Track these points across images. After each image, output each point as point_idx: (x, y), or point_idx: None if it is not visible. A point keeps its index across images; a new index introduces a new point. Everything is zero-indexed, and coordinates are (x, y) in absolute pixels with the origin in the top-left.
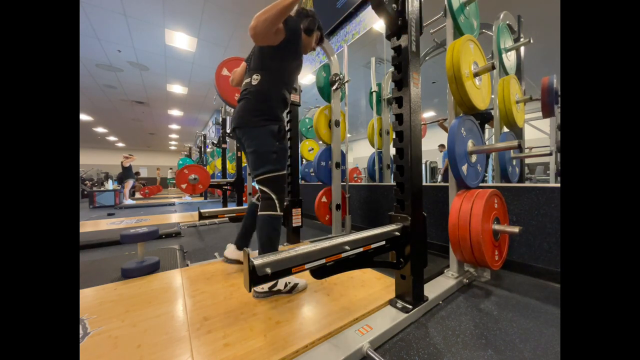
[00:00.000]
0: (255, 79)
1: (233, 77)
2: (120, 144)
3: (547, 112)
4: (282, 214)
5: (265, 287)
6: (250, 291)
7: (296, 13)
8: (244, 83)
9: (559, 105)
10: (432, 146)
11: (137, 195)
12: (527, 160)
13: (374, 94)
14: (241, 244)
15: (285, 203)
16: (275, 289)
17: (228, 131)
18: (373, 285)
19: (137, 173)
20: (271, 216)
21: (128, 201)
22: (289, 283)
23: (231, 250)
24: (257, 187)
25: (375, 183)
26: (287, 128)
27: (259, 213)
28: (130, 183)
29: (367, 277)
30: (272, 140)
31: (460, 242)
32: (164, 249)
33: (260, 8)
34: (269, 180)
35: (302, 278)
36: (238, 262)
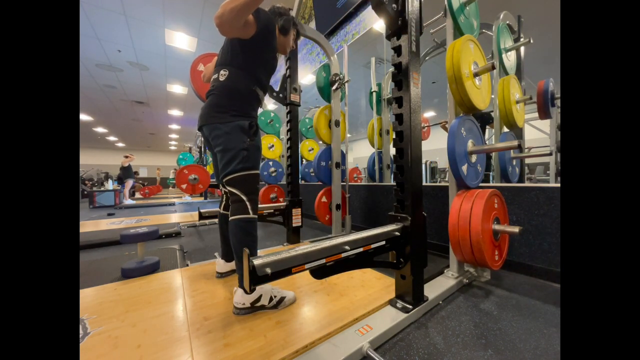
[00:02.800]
0: (223, 74)
1: (205, 73)
2: (120, 144)
3: (543, 115)
4: (255, 216)
5: (246, 302)
6: (250, 292)
7: (269, 11)
8: (212, 79)
9: (556, 106)
10: (433, 146)
11: (137, 195)
12: (527, 160)
13: (374, 94)
14: (229, 257)
15: (285, 203)
16: (258, 304)
17: None
18: (373, 285)
19: (136, 173)
20: (243, 220)
21: (128, 201)
22: (275, 297)
23: (222, 265)
24: (224, 189)
25: (375, 183)
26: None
27: (230, 218)
28: (129, 183)
29: (367, 277)
30: (242, 136)
31: (460, 242)
32: (164, 249)
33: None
34: (238, 180)
35: (291, 290)
36: (234, 271)
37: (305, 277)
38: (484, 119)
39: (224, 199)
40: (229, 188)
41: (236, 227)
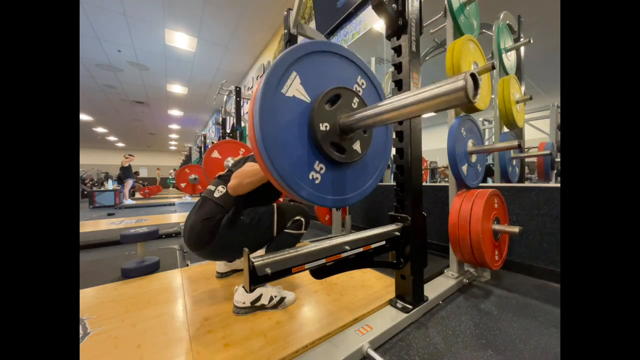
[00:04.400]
0: (220, 191)
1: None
2: (120, 144)
3: (543, 176)
4: (305, 231)
5: (247, 301)
6: (250, 292)
7: None
8: (208, 187)
9: (556, 170)
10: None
11: (137, 195)
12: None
13: None
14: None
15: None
16: (258, 303)
17: (228, 131)
18: (373, 285)
19: (137, 173)
20: (295, 235)
21: (128, 201)
22: (275, 297)
23: (222, 265)
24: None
25: None
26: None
27: (288, 231)
28: (129, 183)
29: (367, 277)
30: (236, 225)
31: (460, 242)
32: (164, 249)
33: (260, 8)
34: (281, 223)
35: (291, 290)
36: (234, 271)
37: (305, 277)
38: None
39: None
40: (288, 227)
41: (286, 237)
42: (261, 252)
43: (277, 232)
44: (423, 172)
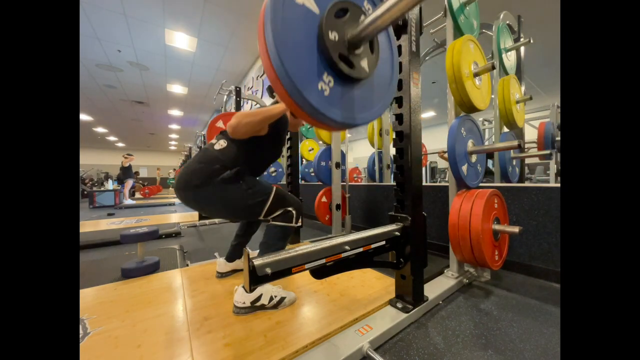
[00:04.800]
0: (221, 144)
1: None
2: (120, 144)
3: (544, 156)
4: (299, 225)
5: (247, 301)
6: (250, 292)
7: None
8: (209, 142)
9: (557, 150)
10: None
11: (137, 195)
12: (527, 160)
13: None
14: (232, 258)
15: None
16: (258, 303)
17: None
18: (373, 285)
19: (137, 173)
20: (285, 227)
21: (128, 201)
22: (275, 297)
23: (222, 265)
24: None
25: (375, 183)
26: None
27: (273, 222)
28: (130, 183)
29: (367, 277)
30: (234, 185)
31: (460, 242)
32: (164, 249)
33: (260, 7)
34: (272, 208)
35: (291, 290)
36: (234, 271)
37: (305, 277)
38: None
39: None
40: (274, 216)
41: (275, 230)
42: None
43: (266, 213)
44: (422, 156)
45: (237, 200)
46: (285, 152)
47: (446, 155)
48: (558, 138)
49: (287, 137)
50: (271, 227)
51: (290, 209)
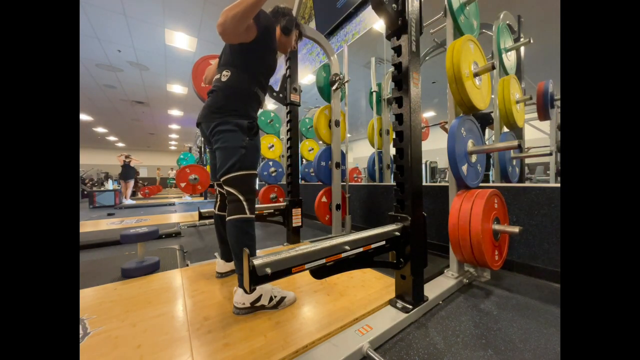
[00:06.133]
0: (225, 75)
1: (206, 75)
2: (120, 144)
3: (542, 116)
4: (252, 216)
5: (246, 302)
6: (250, 292)
7: (272, 11)
8: (214, 80)
9: (556, 107)
10: (433, 146)
11: (137, 195)
12: (527, 160)
13: (374, 94)
14: (228, 257)
15: (285, 203)
16: (258, 304)
17: None
18: (373, 285)
19: (137, 173)
20: (240, 220)
21: (128, 201)
22: (275, 297)
23: (222, 265)
24: (221, 189)
25: (375, 183)
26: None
27: (227, 218)
28: (131, 183)
29: (367, 277)
30: (241, 135)
31: (460, 242)
32: (164, 249)
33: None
34: (235, 180)
35: (291, 290)
36: (234, 271)
37: (305, 277)
38: (485, 120)
39: (218, 200)
40: (226, 188)
41: (234, 227)
42: (260, 252)
43: (226, 180)
44: (423, 130)
45: (229, 144)
46: (285, 152)
47: (447, 126)
48: (557, 97)
49: (287, 128)
50: (229, 224)
51: (240, 197)
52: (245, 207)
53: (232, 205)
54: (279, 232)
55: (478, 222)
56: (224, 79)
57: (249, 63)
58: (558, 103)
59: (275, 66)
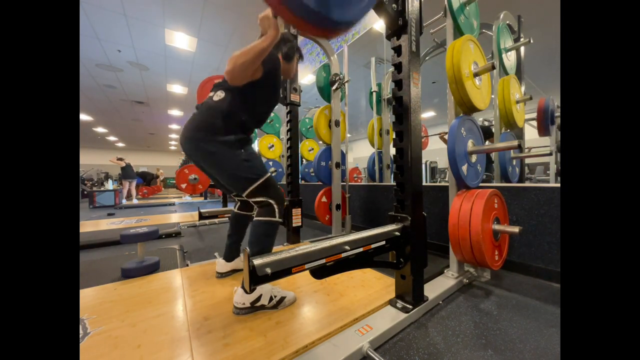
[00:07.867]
0: (219, 95)
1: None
2: (120, 144)
3: (543, 132)
4: (280, 220)
5: (246, 302)
6: (250, 292)
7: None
8: (208, 97)
9: (556, 125)
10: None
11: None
12: (527, 160)
13: (374, 94)
14: (230, 257)
15: (285, 203)
16: (258, 304)
17: None
18: (373, 285)
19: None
20: (269, 222)
21: (134, 200)
22: (275, 297)
23: (222, 265)
24: (250, 201)
25: (375, 183)
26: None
27: (256, 218)
28: (134, 183)
29: (367, 277)
30: (232, 151)
31: (460, 242)
32: (164, 249)
33: (260, 8)
34: (257, 190)
35: (291, 290)
36: (234, 271)
37: (305, 277)
38: (486, 133)
39: (237, 202)
40: (254, 200)
41: (259, 227)
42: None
43: (248, 194)
44: (423, 140)
45: (230, 166)
46: (285, 152)
47: (446, 137)
48: (557, 114)
49: (287, 128)
50: (255, 224)
51: (272, 202)
52: (276, 210)
53: (264, 209)
54: (279, 232)
55: (478, 222)
56: (216, 98)
57: (249, 93)
58: (558, 120)
59: (278, 99)
